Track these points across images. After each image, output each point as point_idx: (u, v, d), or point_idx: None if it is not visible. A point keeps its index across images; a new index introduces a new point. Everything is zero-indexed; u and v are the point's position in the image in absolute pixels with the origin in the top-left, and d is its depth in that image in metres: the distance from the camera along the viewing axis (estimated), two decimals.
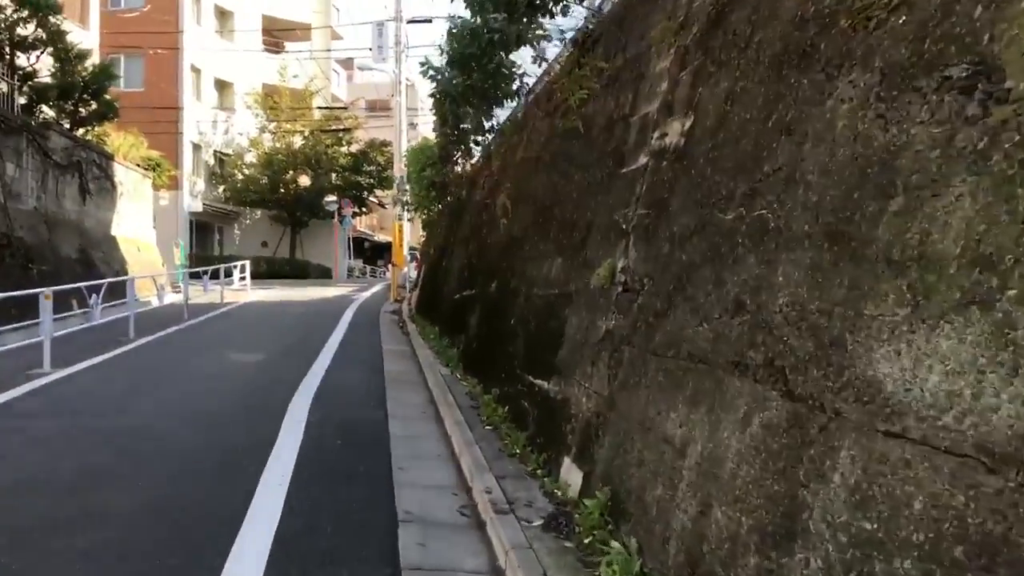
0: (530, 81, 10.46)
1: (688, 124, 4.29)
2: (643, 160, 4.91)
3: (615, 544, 3.47)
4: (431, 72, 9.82)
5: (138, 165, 23.60)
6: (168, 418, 7.03)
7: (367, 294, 25.52)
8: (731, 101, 3.75)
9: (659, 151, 4.65)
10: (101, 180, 20.11)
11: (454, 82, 9.82)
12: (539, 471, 4.95)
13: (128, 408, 7.55)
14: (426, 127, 36.74)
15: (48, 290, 9.92)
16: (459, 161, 13.73)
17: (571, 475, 4.50)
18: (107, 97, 19.61)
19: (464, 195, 13.22)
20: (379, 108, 47.18)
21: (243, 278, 24.75)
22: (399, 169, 24.31)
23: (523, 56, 9.93)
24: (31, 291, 10.75)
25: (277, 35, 43.94)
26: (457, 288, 11.60)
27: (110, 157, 20.80)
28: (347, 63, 54.56)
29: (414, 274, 27.28)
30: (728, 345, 3.12)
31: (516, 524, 4.06)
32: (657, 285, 4.12)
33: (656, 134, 4.77)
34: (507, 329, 7.39)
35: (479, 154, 12.59)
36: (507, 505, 4.36)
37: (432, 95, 11.42)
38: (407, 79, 28.08)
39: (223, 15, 40.04)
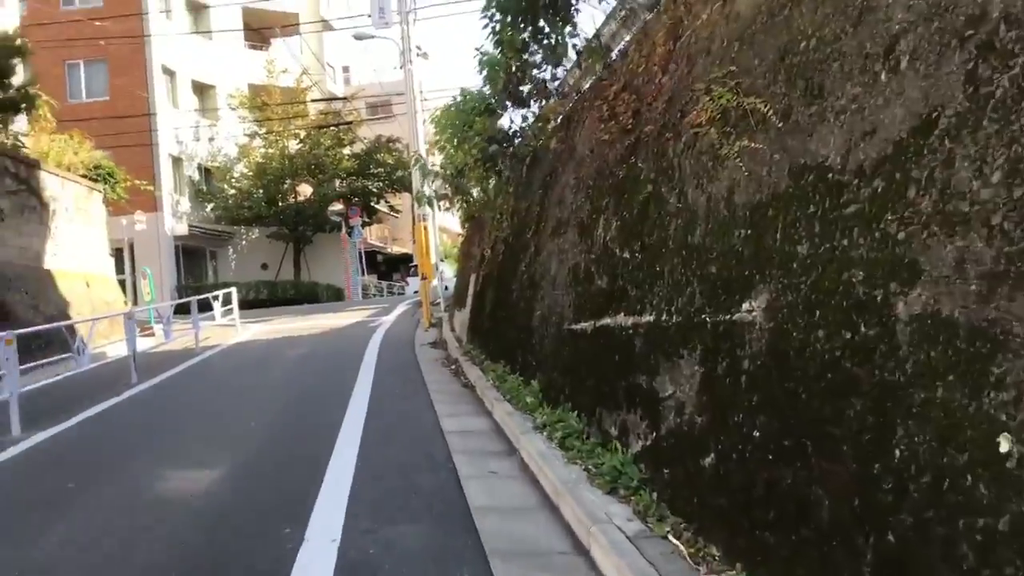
0: None
1: None
2: None
3: None
4: None
5: (84, 176, 18.25)
6: None
7: (390, 318, 19.94)
8: None
9: None
10: (21, 195, 14.73)
11: None
12: None
13: None
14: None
15: None
16: (534, 98, 8.28)
17: None
18: (13, 82, 14.12)
19: (553, 147, 7.71)
20: (380, 110, 41.78)
21: (229, 310, 19.17)
22: (417, 149, 18.94)
23: None
24: None
25: (261, 30, 38.66)
26: (578, 308, 6.07)
27: (33, 164, 15.40)
28: (344, 68, 49.21)
29: (442, 289, 21.80)
30: None
31: None
32: None
33: None
34: None
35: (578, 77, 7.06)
36: None
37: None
38: (417, 47, 22.64)
39: (197, 10, 34.67)
